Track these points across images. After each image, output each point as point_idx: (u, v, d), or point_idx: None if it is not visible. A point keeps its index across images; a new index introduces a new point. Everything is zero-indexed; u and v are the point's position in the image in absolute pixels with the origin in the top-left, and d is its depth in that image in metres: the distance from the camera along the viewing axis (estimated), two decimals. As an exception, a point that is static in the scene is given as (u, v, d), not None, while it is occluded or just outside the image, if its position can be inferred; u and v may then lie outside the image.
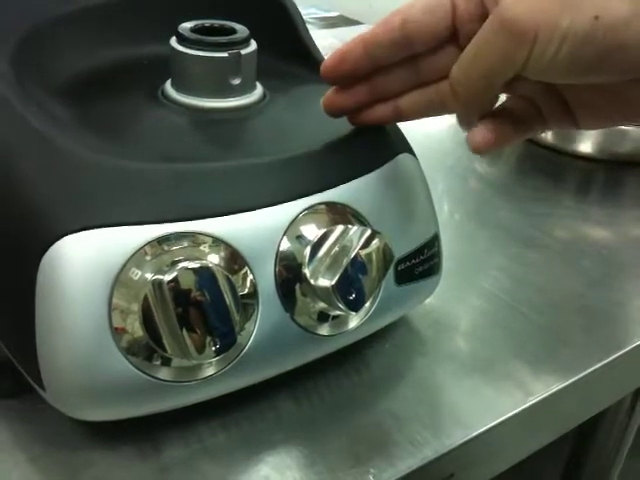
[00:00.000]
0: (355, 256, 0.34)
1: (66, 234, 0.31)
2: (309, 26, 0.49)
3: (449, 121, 0.70)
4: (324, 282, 0.34)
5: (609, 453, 0.63)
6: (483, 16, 0.31)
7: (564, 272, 0.52)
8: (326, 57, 0.36)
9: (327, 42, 0.95)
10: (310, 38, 0.48)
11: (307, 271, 0.34)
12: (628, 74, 0.29)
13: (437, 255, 0.42)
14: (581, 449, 0.64)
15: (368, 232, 0.34)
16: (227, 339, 0.32)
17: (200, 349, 0.31)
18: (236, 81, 0.40)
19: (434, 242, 0.41)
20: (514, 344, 0.45)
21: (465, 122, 0.33)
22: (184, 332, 0.31)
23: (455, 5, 0.33)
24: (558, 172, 0.69)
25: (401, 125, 0.41)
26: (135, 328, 0.31)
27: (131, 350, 0.31)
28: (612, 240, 0.58)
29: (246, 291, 0.33)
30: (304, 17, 0.49)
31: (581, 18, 0.27)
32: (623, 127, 0.67)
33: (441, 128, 0.69)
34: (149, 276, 0.31)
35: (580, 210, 0.62)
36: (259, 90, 0.42)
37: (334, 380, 0.40)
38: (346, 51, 0.35)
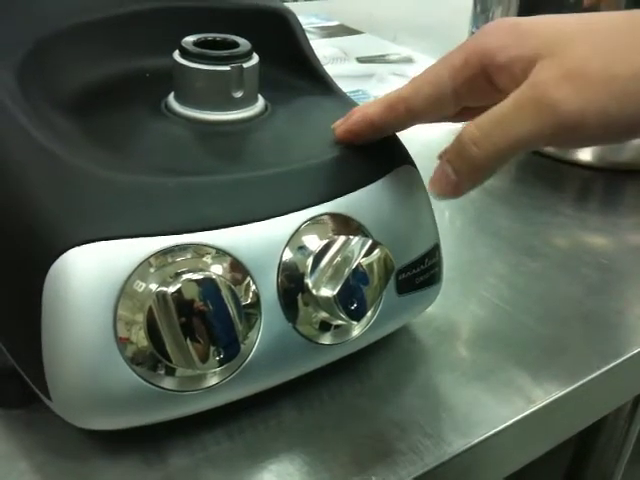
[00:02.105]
0: (356, 266, 0.34)
1: (72, 247, 0.31)
2: (310, 35, 0.49)
3: (449, 131, 0.71)
4: (326, 292, 0.34)
5: (610, 460, 0.64)
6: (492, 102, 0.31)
7: (564, 280, 0.53)
8: (337, 124, 0.38)
9: (328, 51, 0.96)
10: (311, 50, 0.48)
11: (309, 281, 0.35)
12: None
13: (438, 264, 0.42)
14: (582, 456, 0.64)
15: (369, 243, 0.35)
16: (230, 349, 0.32)
17: (204, 359, 0.32)
18: (238, 94, 0.41)
19: (435, 252, 0.42)
20: (514, 352, 0.45)
21: (458, 186, 0.33)
22: (188, 342, 0.31)
23: (459, 96, 0.33)
24: (558, 180, 0.69)
25: (402, 136, 0.41)
26: (140, 338, 0.32)
27: (136, 360, 0.32)
28: (611, 248, 0.58)
29: (249, 301, 0.34)
30: (305, 27, 0.49)
31: (629, 104, 0.27)
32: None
33: (441, 139, 0.70)
34: (153, 287, 0.32)
35: (579, 218, 0.62)
36: (261, 102, 0.43)
37: (336, 388, 0.41)
38: (357, 132, 0.37)
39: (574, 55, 0.28)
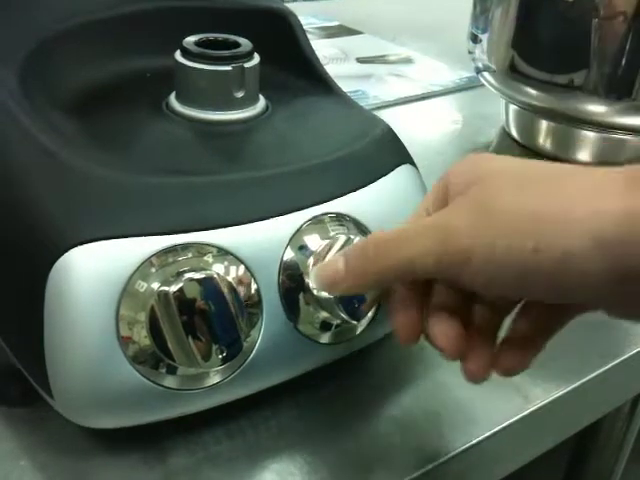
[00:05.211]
0: (357, 266, 0.34)
1: (74, 246, 0.31)
2: (310, 36, 0.49)
3: (448, 132, 0.71)
4: (327, 292, 0.34)
5: (609, 460, 0.64)
6: None
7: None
8: None
9: (328, 51, 0.96)
10: (312, 50, 0.48)
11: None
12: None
13: (438, 264, 0.42)
14: (581, 456, 0.64)
15: (370, 242, 0.35)
16: (232, 347, 0.32)
17: (206, 357, 0.32)
18: (239, 94, 0.41)
19: (435, 251, 0.42)
20: (514, 352, 0.45)
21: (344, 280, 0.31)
22: (190, 341, 0.31)
23: None
24: (557, 181, 0.69)
25: (401, 136, 0.41)
26: (142, 337, 0.32)
27: (138, 359, 0.32)
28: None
29: (250, 300, 0.34)
30: (305, 27, 0.50)
31: (515, 243, 0.26)
32: (621, 136, 0.67)
33: (441, 139, 0.70)
34: (155, 287, 0.32)
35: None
36: (262, 102, 0.43)
37: (336, 388, 0.41)
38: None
39: (486, 191, 0.28)
